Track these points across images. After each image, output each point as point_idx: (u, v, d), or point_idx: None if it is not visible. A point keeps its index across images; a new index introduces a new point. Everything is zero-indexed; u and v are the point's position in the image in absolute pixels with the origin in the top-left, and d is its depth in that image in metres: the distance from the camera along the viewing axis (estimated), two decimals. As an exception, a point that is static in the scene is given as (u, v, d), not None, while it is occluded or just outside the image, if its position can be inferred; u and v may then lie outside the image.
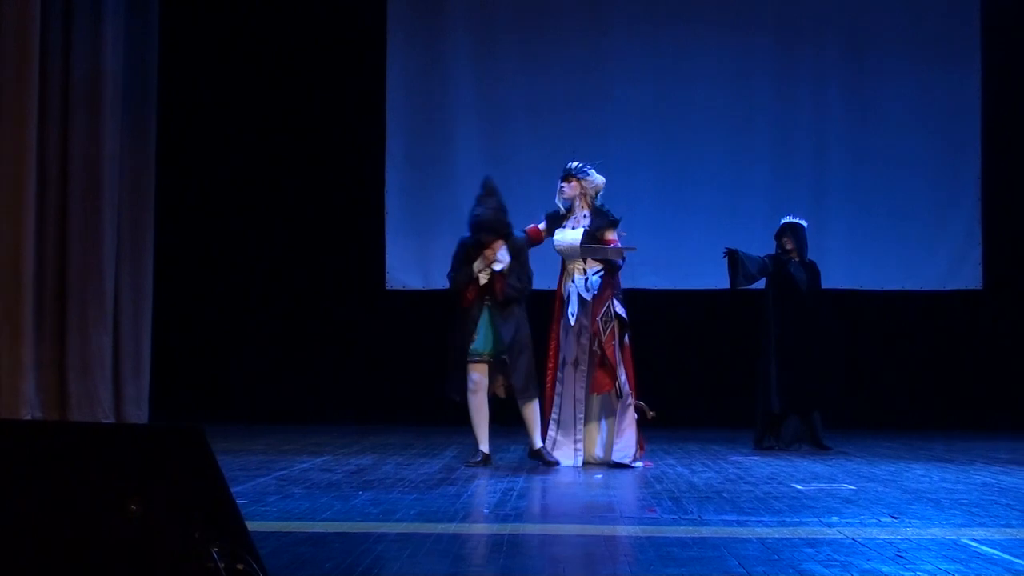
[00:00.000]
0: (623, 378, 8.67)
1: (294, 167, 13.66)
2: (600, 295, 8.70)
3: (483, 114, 13.59)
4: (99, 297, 11.04)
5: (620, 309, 8.72)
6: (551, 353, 8.88)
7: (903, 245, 13.36)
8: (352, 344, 13.63)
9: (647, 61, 13.57)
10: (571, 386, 8.78)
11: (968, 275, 13.45)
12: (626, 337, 8.78)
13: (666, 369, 13.24)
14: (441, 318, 13.52)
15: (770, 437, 10.27)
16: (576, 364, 8.75)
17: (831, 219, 13.22)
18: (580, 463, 8.70)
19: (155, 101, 11.93)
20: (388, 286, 13.54)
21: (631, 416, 8.71)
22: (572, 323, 8.75)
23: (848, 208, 13.41)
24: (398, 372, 13.48)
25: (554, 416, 8.82)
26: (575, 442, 8.77)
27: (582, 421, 8.76)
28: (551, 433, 8.81)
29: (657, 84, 13.54)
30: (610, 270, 8.78)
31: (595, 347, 8.65)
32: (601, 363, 8.65)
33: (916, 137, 13.50)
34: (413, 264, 13.50)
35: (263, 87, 13.66)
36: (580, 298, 8.73)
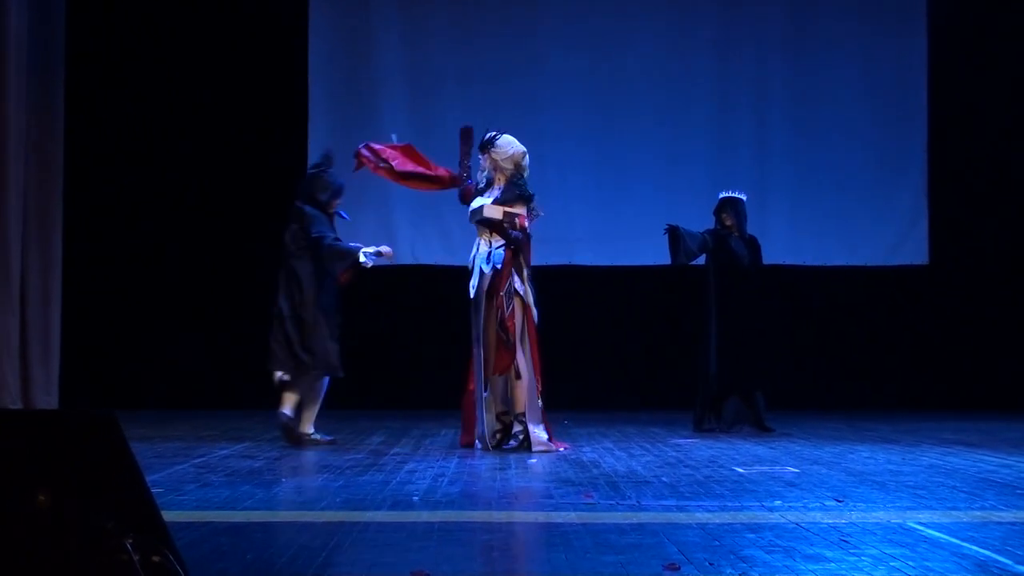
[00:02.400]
0: (520, 358, 8.51)
1: (211, 139, 13.36)
2: (503, 270, 8.55)
3: (411, 81, 13.36)
4: (4, 278, 10.74)
5: (520, 287, 8.57)
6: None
7: (847, 219, 13.32)
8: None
9: (582, 26, 13.39)
10: (478, 363, 8.68)
11: (913, 250, 13.45)
12: (532, 319, 8.60)
13: (603, 349, 13.19)
14: (368, 296, 13.43)
15: (711, 419, 10.17)
16: (478, 340, 8.65)
17: (773, 192, 13.13)
18: (480, 446, 8.58)
19: (63, 70, 11.62)
20: (312, 263, 13.29)
21: (536, 402, 8.57)
22: (472, 296, 8.66)
23: (790, 181, 13.34)
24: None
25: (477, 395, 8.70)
26: (483, 422, 8.65)
27: (486, 401, 8.62)
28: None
29: (593, 50, 13.37)
30: (512, 245, 8.59)
31: (497, 325, 8.53)
32: (504, 342, 8.51)
33: (861, 108, 13.47)
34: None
35: (178, 56, 13.33)
36: (482, 272, 8.63)
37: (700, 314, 10.42)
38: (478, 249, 8.70)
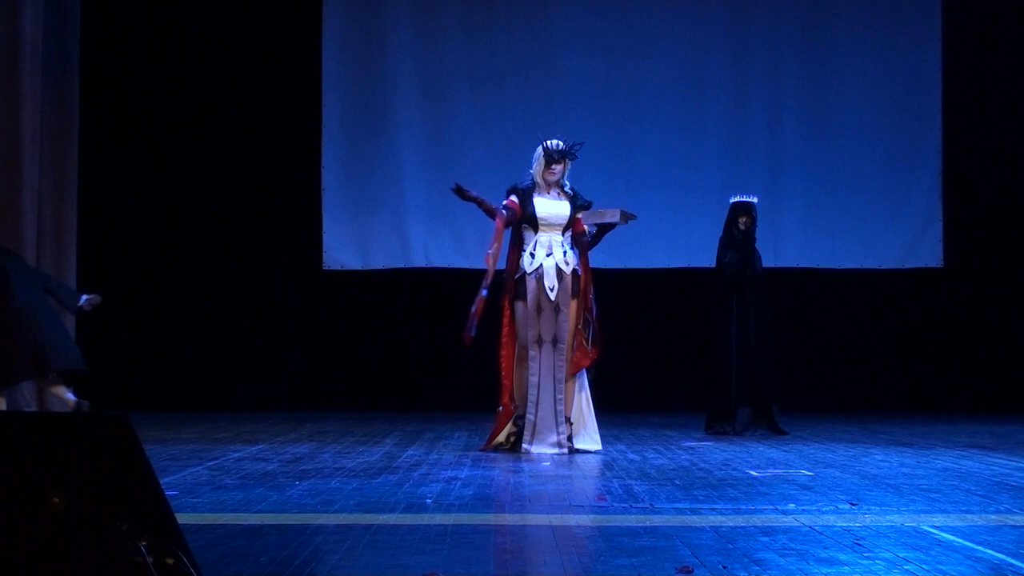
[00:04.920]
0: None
1: (225, 143, 13.37)
2: (585, 273, 8.68)
3: (423, 85, 13.36)
4: (19, 281, 10.73)
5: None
6: (506, 333, 8.69)
7: (861, 222, 13.28)
8: (288, 327, 13.43)
9: (594, 29, 13.36)
10: (549, 366, 8.60)
11: (928, 253, 13.40)
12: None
13: (615, 352, 13.11)
14: (382, 300, 13.45)
15: (724, 425, 10.10)
16: (555, 343, 8.60)
17: (786, 195, 13.09)
18: (565, 450, 8.50)
19: (77, 73, 11.64)
20: (325, 266, 13.33)
21: (589, 397, 8.70)
22: (552, 298, 8.61)
23: (804, 184, 13.29)
24: (336, 356, 13.31)
25: (531, 399, 8.59)
26: (557, 427, 8.56)
27: (562, 403, 8.58)
28: (530, 418, 8.58)
29: (605, 53, 13.35)
30: (585, 249, 8.77)
31: (579, 325, 8.59)
32: (584, 343, 8.60)
33: (874, 110, 13.43)
34: (351, 243, 13.29)
35: (192, 58, 13.36)
36: (561, 272, 8.62)
37: (716, 319, 10.33)
38: (550, 250, 8.66)
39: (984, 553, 4.42)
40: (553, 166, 8.77)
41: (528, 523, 5.24)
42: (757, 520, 5.24)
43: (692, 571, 4.04)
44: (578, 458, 8.21)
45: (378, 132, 13.32)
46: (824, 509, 5.56)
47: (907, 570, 4.11)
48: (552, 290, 8.61)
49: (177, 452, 8.34)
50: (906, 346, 13.53)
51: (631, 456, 8.27)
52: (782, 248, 12.23)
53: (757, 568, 4.13)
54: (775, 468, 7.45)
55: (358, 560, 4.33)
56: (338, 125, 13.34)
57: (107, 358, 12.89)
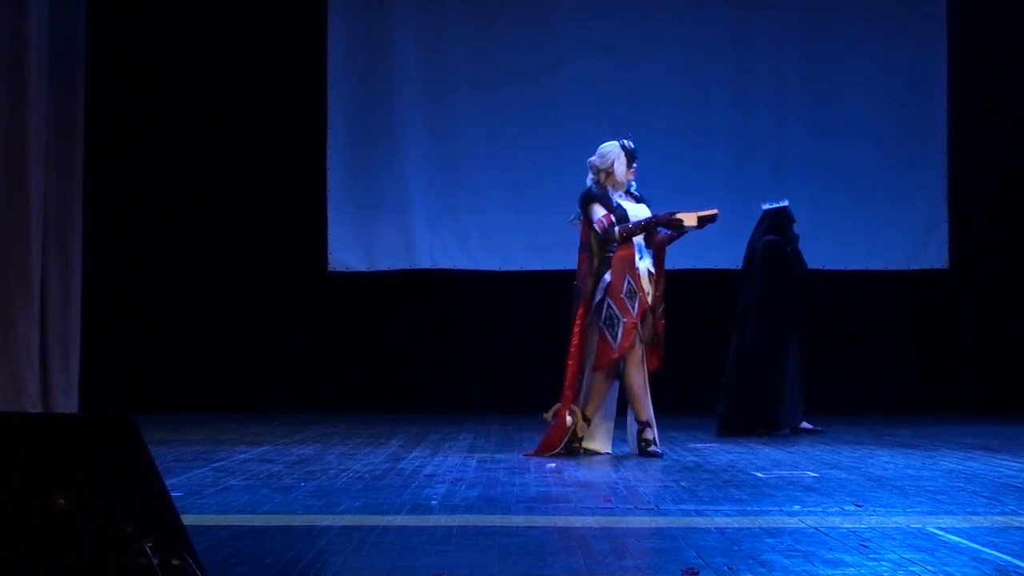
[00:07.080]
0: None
1: (231, 144, 13.37)
2: (658, 272, 8.62)
3: (428, 87, 13.36)
4: (25, 282, 10.74)
5: None
6: (577, 343, 8.49)
7: (866, 223, 13.23)
8: (293, 329, 13.43)
9: (598, 31, 13.33)
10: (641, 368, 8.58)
11: (933, 254, 13.36)
12: None
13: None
14: (387, 301, 13.45)
15: (757, 424, 10.07)
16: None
17: (791, 196, 12.93)
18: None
19: (83, 77, 11.65)
20: (331, 268, 13.31)
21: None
22: (650, 303, 8.55)
23: (809, 185, 13.21)
24: (341, 358, 13.30)
25: (647, 403, 8.57)
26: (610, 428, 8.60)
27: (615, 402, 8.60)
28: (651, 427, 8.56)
29: (609, 55, 13.31)
30: (660, 249, 8.73)
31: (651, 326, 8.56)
32: (652, 341, 8.53)
33: (879, 111, 13.38)
34: (357, 245, 13.29)
35: (197, 60, 13.36)
36: (649, 276, 8.57)
37: (768, 325, 10.21)
38: (640, 255, 8.59)
39: (989, 555, 4.42)
40: (634, 165, 8.77)
41: (534, 524, 5.24)
42: (762, 521, 5.25)
43: (697, 572, 4.04)
44: (584, 459, 8.21)
45: (383, 134, 13.31)
46: (829, 511, 5.56)
47: (912, 572, 4.11)
48: (649, 295, 8.54)
49: (182, 453, 8.34)
50: (911, 348, 13.50)
51: (637, 457, 8.26)
52: (787, 249, 12.18)
53: (762, 570, 4.14)
54: (780, 470, 7.45)
55: (363, 561, 4.34)
56: (343, 127, 13.33)
57: (112, 359, 12.90)
